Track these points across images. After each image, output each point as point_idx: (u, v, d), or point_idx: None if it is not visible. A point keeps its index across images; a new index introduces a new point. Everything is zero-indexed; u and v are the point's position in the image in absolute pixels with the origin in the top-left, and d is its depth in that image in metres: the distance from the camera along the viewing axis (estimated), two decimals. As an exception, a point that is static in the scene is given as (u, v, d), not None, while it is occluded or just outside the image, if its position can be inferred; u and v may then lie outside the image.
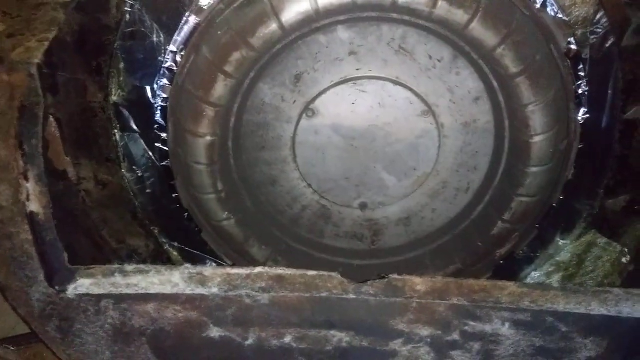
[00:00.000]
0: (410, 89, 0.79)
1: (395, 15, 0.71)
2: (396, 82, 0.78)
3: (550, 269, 0.83)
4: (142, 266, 0.56)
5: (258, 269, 0.53)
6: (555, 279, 0.81)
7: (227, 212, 0.83)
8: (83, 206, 0.90)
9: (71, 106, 0.82)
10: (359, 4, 0.67)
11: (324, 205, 0.89)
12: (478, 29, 0.67)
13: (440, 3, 0.65)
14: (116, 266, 0.57)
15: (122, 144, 0.84)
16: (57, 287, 0.60)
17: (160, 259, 0.97)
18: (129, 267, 0.57)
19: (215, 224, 0.84)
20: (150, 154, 0.84)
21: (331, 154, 0.84)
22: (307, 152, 0.84)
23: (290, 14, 0.67)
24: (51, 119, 0.82)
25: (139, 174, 0.87)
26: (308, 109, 0.80)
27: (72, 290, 0.56)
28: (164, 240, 0.95)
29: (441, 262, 0.86)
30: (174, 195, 0.87)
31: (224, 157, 0.80)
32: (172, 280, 0.54)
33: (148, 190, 0.88)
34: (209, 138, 0.76)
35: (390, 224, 0.91)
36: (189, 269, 0.54)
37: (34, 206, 0.58)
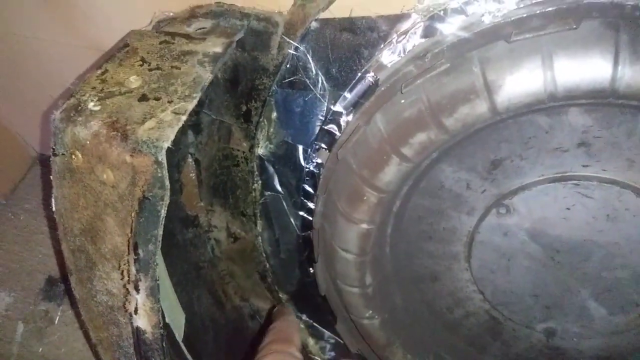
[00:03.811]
0: (662, 205, 0.54)
1: (670, 107, 0.47)
2: (641, 193, 0.54)
3: None
4: None
5: None
6: None
7: (371, 311, 0.66)
8: (210, 256, 0.79)
9: (212, 149, 0.70)
10: (621, 93, 0.45)
11: (494, 318, 0.68)
12: None
13: None
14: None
15: (261, 201, 0.70)
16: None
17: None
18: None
19: (355, 319, 0.67)
20: (292, 220, 0.69)
21: (520, 262, 0.62)
22: (487, 254, 0.63)
23: (511, 94, 0.47)
24: (190, 159, 0.72)
25: (275, 237, 0.73)
26: (501, 204, 0.59)
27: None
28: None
29: None
30: (310, 270, 0.72)
31: (379, 247, 0.63)
32: None
33: (282, 256, 0.74)
34: (364, 226, 0.59)
35: (583, 360, 0.67)
36: None
37: (141, 322, 0.45)
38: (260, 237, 0.74)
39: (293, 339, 0.48)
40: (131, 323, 0.45)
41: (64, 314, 1.05)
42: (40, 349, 1.00)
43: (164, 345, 0.46)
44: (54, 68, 0.96)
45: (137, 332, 0.45)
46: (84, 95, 0.46)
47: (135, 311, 0.44)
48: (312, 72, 0.59)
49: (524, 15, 0.46)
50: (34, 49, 0.91)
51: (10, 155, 1.20)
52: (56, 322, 1.05)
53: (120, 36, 0.75)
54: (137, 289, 0.44)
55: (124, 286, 0.45)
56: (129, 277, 0.44)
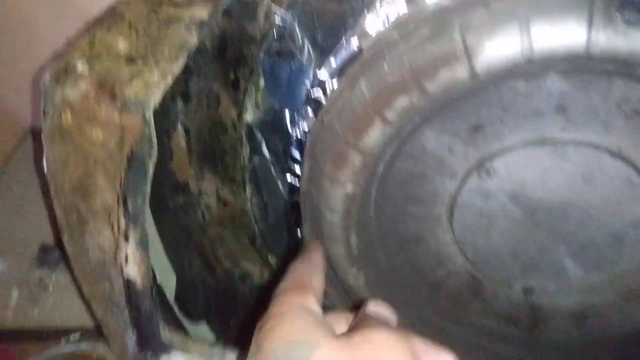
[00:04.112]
0: (635, 166, 0.56)
1: (642, 72, 0.49)
2: (615, 155, 0.56)
3: None
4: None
5: None
6: None
7: (356, 269, 0.68)
8: (201, 221, 0.81)
9: (201, 117, 0.71)
10: (595, 56, 0.46)
11: (475, 277, 0.71)
12: None
13: None
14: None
15: (249, 166, 0.72)
16: (147, 356, 0.52)
17: (274, 287, 0.88)
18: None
19: (341, 278, 0.70)
20: (279, 184, 0.71)
21: (500, 224, 0.65)
22: (469, 215, 0.66)
23: (489, 59, 0.48)
24: (179, 127, 0.73)
25: (264, 202, 0.75)
26: (482, 167, 0.61)
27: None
28: (281, 271, 0.84)
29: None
30: (298, 231, 0.74)
31: (364, 209, 0.65)
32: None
33: (270, 220, 0.77)
34: (349, 188, 0.61)
35: (558, 316, 0.70)
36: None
37: (131, 271, 0.48)
38: (249, 202, 0.76)
39: (313, 285, 0.38)
40: (122, 276, 0.48)
41: (58, 280, 1.08)
42: (36, 313, 1.03)
43: (153, 293, 0.48)
44: (44, 38, 0.96)
45: (128, 284, 0.48)
46: (73, 58, 0.47)
47: (126, 260, 0.47)
48: (298, 40, 0.60)
49: (503, -19, 0.47)
50: (23, 19, 0.91)
51: (2, 127, 1.20)
52: (50, 288, 1.07)
53: (108, 4, 0.76)
54: (126, 239, 0.46)
55: (115, 240, 0.47)
56: (118, 228, 0.46)
